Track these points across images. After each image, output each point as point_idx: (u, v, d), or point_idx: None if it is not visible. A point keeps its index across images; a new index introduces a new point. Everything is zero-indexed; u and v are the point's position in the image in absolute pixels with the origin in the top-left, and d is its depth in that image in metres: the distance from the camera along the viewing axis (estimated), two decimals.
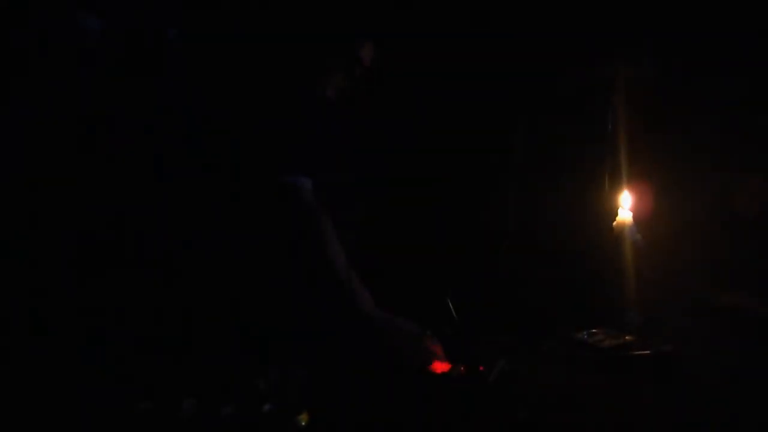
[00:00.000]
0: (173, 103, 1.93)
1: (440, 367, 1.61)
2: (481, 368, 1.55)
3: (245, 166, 1.84)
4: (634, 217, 1.88)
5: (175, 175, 1.90)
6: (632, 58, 2.28)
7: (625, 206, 1.89)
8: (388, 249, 2.08)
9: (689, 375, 1.65)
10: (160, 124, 1.92)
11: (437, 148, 2.24)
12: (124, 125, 1.90)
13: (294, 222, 1.78)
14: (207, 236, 1.84)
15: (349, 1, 1.95)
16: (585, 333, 1.81)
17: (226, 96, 1.91)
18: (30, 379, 1.59)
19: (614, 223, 1.89)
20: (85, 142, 1.88)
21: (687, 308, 2.01)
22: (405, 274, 2.05)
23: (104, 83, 1.92)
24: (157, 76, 1.96)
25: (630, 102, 2.26)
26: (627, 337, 1.77)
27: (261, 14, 1.94)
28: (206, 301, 1.82)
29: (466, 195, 2.29)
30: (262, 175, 1.81)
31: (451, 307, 1.70)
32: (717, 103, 2.27)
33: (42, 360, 1.66)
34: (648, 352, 1.70)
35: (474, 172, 2.29)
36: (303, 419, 1.40)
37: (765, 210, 2.27)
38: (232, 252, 1.81)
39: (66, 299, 1.82)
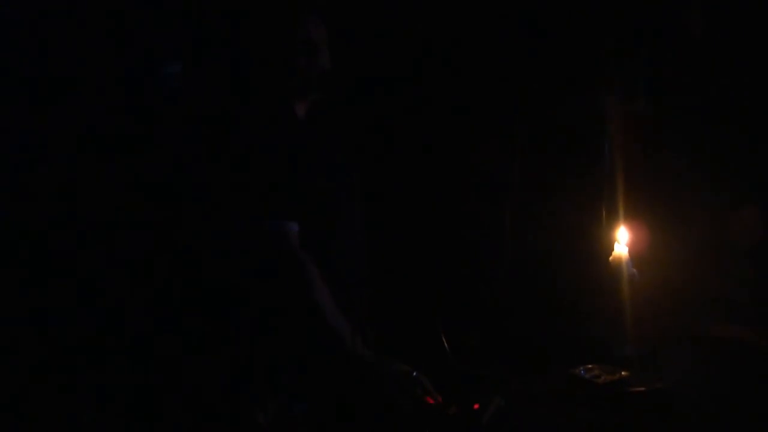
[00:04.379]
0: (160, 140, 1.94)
1: (430, 404, 1.60)
2: (476, 406, 1.54)
3: (230, 211, 1.80)
4: (630, 252, 1.88)
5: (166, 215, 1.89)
6: (628, 89, 2.29)
7: (622, 241, 1.88)
8: (380, 281, 2.06)
9: (685, 411, 1.64)
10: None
11: (433, 176, 2.25)
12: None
13: (279, 268, 1.74)
14: (201, 274, 1.83)
15: None
16: (581, 369, 1.80)
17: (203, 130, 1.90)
18: (27, 395, 1.59)
19: (610, 258, 1.89)
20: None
21: (683, 342, 2.00)
22: (399, 308, 2.05)
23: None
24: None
25: (626, 134, 2.26)
26: (623, 373, 1.76)
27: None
28: (204, 333, 1.81)
29: (462, 226, 2.28)
30: (246, 221, 1.77)
31: (445, 342, 1.69)
32: (712, 136, 2.28)
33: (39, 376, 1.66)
34: (644, 388, 1.69)
35: (470, 204, 2.29)
36: None
37: (760, 242, 2.27)
38: (224, 291, 1.79)
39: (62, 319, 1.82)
